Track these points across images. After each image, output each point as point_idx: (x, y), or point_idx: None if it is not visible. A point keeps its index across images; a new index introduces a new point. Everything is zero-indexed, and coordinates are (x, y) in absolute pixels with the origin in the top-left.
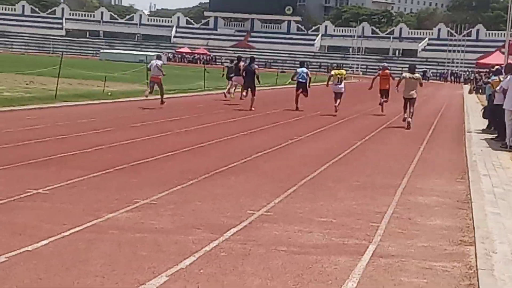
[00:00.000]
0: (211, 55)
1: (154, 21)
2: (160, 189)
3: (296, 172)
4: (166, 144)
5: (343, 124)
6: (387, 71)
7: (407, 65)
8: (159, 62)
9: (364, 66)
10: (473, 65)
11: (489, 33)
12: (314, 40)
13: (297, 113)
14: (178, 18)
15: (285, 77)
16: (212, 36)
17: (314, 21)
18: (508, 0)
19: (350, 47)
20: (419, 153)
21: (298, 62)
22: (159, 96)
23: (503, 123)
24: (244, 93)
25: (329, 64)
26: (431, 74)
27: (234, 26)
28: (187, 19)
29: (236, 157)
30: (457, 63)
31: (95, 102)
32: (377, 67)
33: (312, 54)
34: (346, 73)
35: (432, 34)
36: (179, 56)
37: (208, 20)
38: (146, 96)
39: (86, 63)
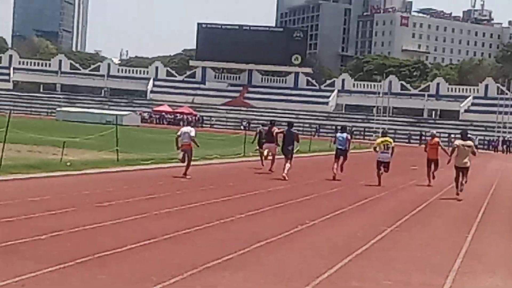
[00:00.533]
0: (198, 115)
1: (126, 72)
2: None
3: (309, 268)
4: (142, 230)
5: (370, 203)
6: (436, 139)
7: (444, 130)
8: (192, 131)
9: (392, 131)
10: None
11: None
12: (329, 97)
13: (333, 184)
14: (157, 68)
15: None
16: (199, 92)
17: (329, 73)
18: None
19: (374, 106)
20: (467, 243)
21: (308, 125)
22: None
23: None
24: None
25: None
26: (477, 142)
27: (227, 79)
28: (167, 70)
29: (232, 247)
30: (511, 128)
31: (50, 174)
32: (407, 132)
33: (326, 115)
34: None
35: (477, 91)
36: (157, 116)
37: (194, 72)
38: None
39: (39, 124)
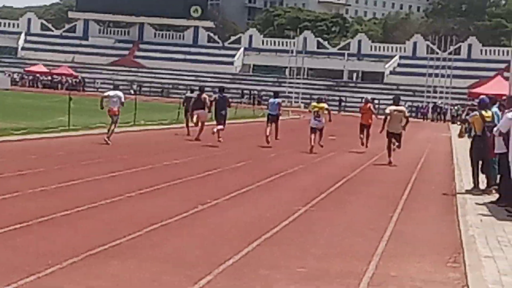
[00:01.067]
0: (79, 77)
1: None
2: (6, 280)
3: (211, 254)
4: (13, 212)
5: (282, 179)
6: (369, 104)
7: (366, 95)
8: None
9: (307, 96)
10: (465, 96)
11: (485, 50)
12: (234, 56)
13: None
14: (29, 20)
15: None
16: (81, 49)
17: (234, 28)
18: None
19: (286, 67)
20: (392, 224)
21: (210, 88)
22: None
23: (509, 179)
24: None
25: (255, 92)
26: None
27: (114, 34)
28: (42, 23)
29: (122, 231)
30: (442, 92)
31: None
32: (323, 97)
33: (231, 76)
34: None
35: (404, 50)
36: (30, 77)
37: (75, 25)
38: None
39: None
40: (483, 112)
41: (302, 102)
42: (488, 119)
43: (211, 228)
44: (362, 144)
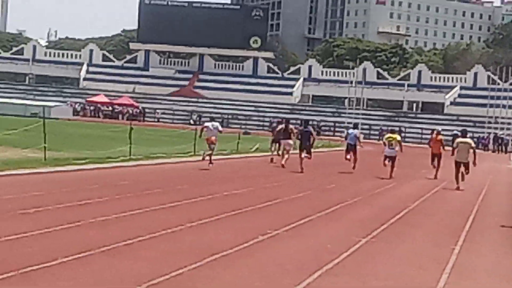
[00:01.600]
0: (140, 107)
1: (54, 55)
2: None
3: (272, 285)
4: (75, 241)
5: (342, 210)
6: (440, 136)
7: (426, 126)
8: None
9: (367, 126)
10: None
11: None
12: (293, 86)
13: (302, 187)
14: (91, 51)
15: (250, 141)
16: (141, 80)
17: (293, 59)
18: None
19: (346, 97)
20: (454, 256)
21: (269, 120)
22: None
23: None
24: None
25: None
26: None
27: (174, 64)
28: (104, 54)
29: (183, 261)
30: (503, 123)
31: None
32: (385, 127)
33: (290, 107)
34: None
35: (465, 81)
36: (92, 108)
37: (136, 56)
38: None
39: None
40: None
41: (361, 133)
42: None
43: (271, 259)
44: (434, 167)
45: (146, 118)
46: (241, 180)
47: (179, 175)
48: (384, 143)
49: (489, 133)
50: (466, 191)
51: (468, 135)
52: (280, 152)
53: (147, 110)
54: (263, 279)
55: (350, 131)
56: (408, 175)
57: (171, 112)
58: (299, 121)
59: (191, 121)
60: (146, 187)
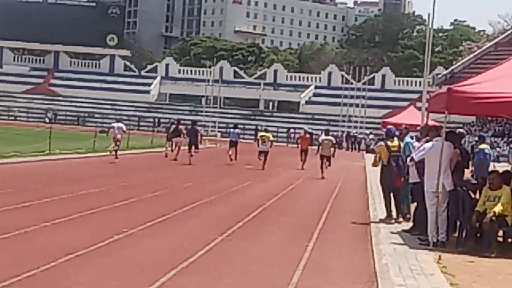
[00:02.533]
0: None
1: None
2: None
3: (127, 285)
4: None
5: (197, 210)
6: (307, 134)
7: (282, 124)
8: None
9: (224, 124)
10: (379, 126)
11: (399, 81)
12: (150, 85)
13: (156, 186)
14: None
15: (106, 140)
16: None
17: (150, 57)
18: (423, 36)
19: (203, 96)
20: (307, 254)
21: (126, 117)
22: None
23: (423, 209)
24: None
25: (171, 121)
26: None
27: (28, 62)
28: None
29: (36, 262)
30: (356, 122)
31: None
32: (242, 126)
33: (148, 105)
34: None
35: (320, 80)
36: None
37: None
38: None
39: None
40: (389, 142)
41: (218, 131)
42: (394, 149)
43: (126, 258)
44: (301, 160)
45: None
46: (95, 179)
47: (33, 174)
48: (258, 140)
49: (343, 131)
50: (320, 188)
51: (330, 134)
52: (173, 149)
53: (1, 109)
54: (119, 279)
55: (232, 130)
56: (264, 173)
57: (25, 110)
58: (156, 119)
59: (47, 119)
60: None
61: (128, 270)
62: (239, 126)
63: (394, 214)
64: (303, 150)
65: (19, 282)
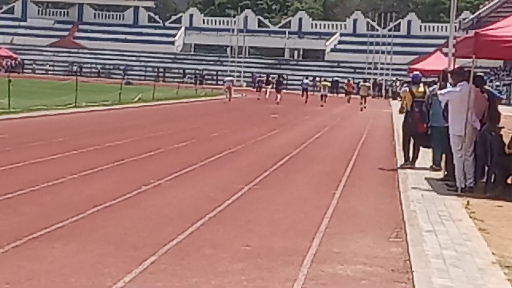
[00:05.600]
0: (18, 59)
1: None
2: None
3: (155, 235)
4: None
5: (223, 160)
6: (351, 81)
7: (308, 73)
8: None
9: (249, 74)
10: (405, 72)
11: (425, 26)
12: (175, 36)
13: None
14: None
15: (132, 92)
16: (19, 30)
17: (174, 8)
18: None
19: (228, 46)
20: (335, 201)
21: (151, 68)
22: None
23: (450, 154)
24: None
25: (197, 72)
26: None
27: (53, 15)
28: None
29: (64, 214)
30: (382, 69)
31: None
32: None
33: (172, 56)
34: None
35: (345, 27)
36: None
37: (13, 6)
38: None
39: None
40: (414, 88)
41: (244, 81)
42: (419, 95)
43: (154, 208)
44: (348, 102)
45: (24, 70)
46: (123, 131)
47: (60, 127)
48: (320, 87)
49: (369, 79)
50: (347, 136)
51: (366, 82)
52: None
53: (26, 62)
54: (147, 229)
55: (304, 80)
56: (290, 122)
57: (51, 63)
58: (181, 71)
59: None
60: (27, 140)
61: (156, 221)
62: (266, 74)
63: (411, 159)
64: (348, 92)
65: (48, 234)
